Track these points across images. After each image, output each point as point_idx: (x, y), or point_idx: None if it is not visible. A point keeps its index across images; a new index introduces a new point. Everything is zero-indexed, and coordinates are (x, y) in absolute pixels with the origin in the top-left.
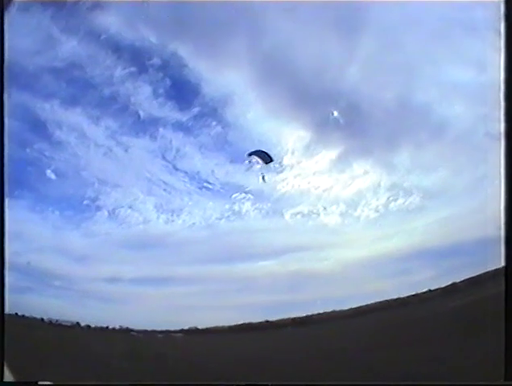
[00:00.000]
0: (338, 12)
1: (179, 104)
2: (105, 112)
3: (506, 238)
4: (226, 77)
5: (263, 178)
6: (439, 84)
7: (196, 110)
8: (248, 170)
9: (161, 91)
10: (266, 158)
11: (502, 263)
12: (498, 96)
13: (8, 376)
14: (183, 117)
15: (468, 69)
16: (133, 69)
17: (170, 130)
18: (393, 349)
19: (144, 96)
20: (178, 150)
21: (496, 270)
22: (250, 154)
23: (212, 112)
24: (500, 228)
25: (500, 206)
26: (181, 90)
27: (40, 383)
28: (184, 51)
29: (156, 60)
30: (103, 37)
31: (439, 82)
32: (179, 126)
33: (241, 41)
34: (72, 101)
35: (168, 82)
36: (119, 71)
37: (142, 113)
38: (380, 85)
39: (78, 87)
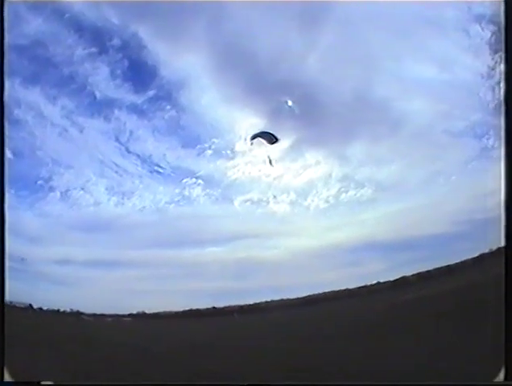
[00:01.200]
0: (302, 3)
1: (136, 86)
2: (63, 92)
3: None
4: (184, 61)
5: (270, 161)
6: (400, 80)
7: (151, 93)
8: (199, 155)
9: (118, 72)
10: (271, 138)
11: (454, 259)
12: (460, 95)
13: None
14: (139, 100)
15: (432, 67)
16: (93, 49)
17: (124, 112)
18: (338, 340)
19: (102, 77)
20: (131, 133)
21: (447, 266)
22: (254, 137)
23: (167, 96)
24: (454, 224)
25: (455, 203)
26: (138, 72)
27: (43, 383)
28: (145, 32)
29: (116, 41)
30: (67, 16)
31: (399, 78)
32: (134, 109)
33: (202, 26)
34: (32, 80)
35: (126, 63)
36: (80, 51)
37: (98, 94)
38: (339, 78)
39: (39, 65)
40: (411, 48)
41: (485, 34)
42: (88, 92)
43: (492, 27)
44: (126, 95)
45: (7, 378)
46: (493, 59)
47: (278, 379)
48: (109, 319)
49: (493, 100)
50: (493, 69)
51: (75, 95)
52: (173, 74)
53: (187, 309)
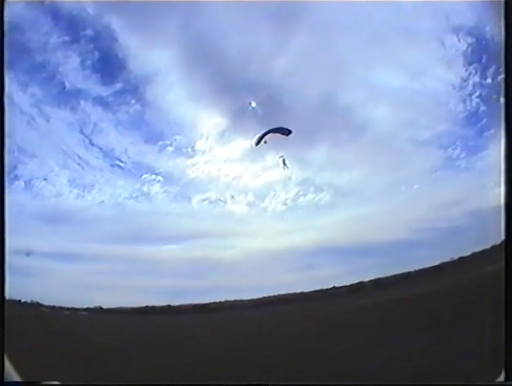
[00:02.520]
0: (275, 5)
1: (104, 78)
2: (34, 80)
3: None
4: (154, 56)
5: (284, 161)
6: (368, 86)
7: (118, 86)
8: (160, 151)
9: (88, 63)
10: (285, 130)
11: (413, 267)
12: (428, 105)
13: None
14: (105, 92)
15: (401, 75)
16: (66, 38)
17: (90, 104)
18: (291, 343)
19: (72, 67)
20: (95, 125)
21: (403, 274)
22: (266, 133)
23: (134, 90)
24: (414, 232)
25: (416, 211)
26: (107, 64)
27: (43, 383)
28: (118, 24)
29: (89, 31)
30: (47, 2)
31: (367, 84)
32: (100, 101)
33: (174, 22)
34: (7, 65)
35: (97, 55)
36: (54, 39)
37: (67, 84)
38: (306, 81)
39: (15, 51)
40: (382, 56)
41: (461, 45)
42: (57, 82)
43: (469, 39)
44: (94, 86)
45: None
46: (466, 70)
47: (230, 379)
48: (67, 312)
49: (464, 112)
50: (465, 81)
51: (45, 83)
52: (141, 68)
53: (142, 305)
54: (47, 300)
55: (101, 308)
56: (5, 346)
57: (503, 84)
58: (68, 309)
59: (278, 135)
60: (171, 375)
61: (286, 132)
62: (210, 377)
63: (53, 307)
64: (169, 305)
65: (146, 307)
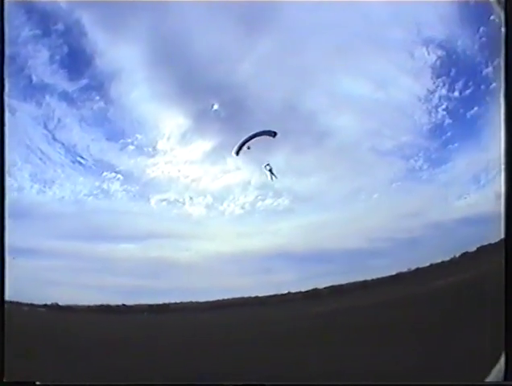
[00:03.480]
0: (243, 8)
1: (70, 73)
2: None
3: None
4: (120, 53)
5: (271, 170)
6: (331, 94)
7: (83, 82)
8: (121, 149)
9: (57, 58)
10: (271, 132)
11: (370, 275)
12: (392, 115)
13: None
14: (70, 88)
15: (366, 84)
16: (38, 31)
17: (55, 99)
18: (243, 347)
19: (41, 61)
20: (59, 120)
21: (359, 282)
22: (248, 140)
23: (99, 87)
24: (371, 241)
25: (375, 220)
26: (75, 60)
27: (38, 383)
28: (88, 19)
29: (60, 26)
30: None
31: (331, 91)
32: (65, 96)
33: (143, 20)
34: None
35: (66, 49)
36: (25, 32)
37: (34, 78)
38: (269, 85)
39: None
40: (349, 63)
41: (431, 57)
42: (25, 75)
43: (439, 52)
44: (60, 81)
45: None
46: (434, 83)
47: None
48: (25, 308)
49: (428, 124)
50: (432, 93)
51: (13, 76)
52: (108, 65)
53: (98, 303)
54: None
55: (58, 305)
56: None
57: (503, 87)
58: (27, 305)
59: (263, 137)
60: (123, 374)
61: (272, 134)
62: (160, 377)
63: (11, 302)
64: (124, 305)
65: (102, 305)
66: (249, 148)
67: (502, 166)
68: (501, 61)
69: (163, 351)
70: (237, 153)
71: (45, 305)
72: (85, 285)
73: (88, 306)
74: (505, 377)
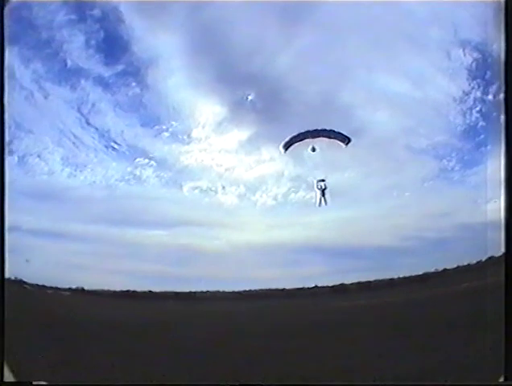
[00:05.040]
0: (285, 2)
1: (106, 58)
2: (37, 56)
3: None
4: (158, 40)
5: (324, 191)
6: (369, 90)
7: (120, 67)
8: (156, 136)
9: (93, 42)
10: (344, 137)
11: (397, 273)
12: (428, 114)
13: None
14: (106, 73)
15: (404, 82)
16: (73, 16)
17: (90, 83)
18: (267, 339)
19: (76, 46)
20: (93, 105)
21: (387, 280)
22: (303, 137)
23: (135, 72)
24: (401, 239)
25: (405, 218)
26: (111, 45)
27: (35, 383)
28: (126, 6)
29: (97, 11)
30: None
31: (369, 87)
32: (100, 81)
33: (181, 8)
34: (11, 41)
35: (102, 35)
36: (61, 17)
37: (69, 62)
38: (308, 78)
39: (21, 26)
40: (387, 60)
41: (467, 59)
42: (60, 59)
43: (475, 54)
44: (95, 66)
45: None
46: (469, 84)
47: (203, 369)
48: (50, 291)
49: (463, 125)
50: (467, 94)
51: (48, 60)
52: (145, 51)
53: (124, 289)
54: (31, 277)
55: (83, 289)
56: None
57: (503, 90)
58: (51, 288)
59: (333, 141)
60: (146, 361)
61: (346, 140)
62: (185, 366)
63: (37, 285)
64: (150, 291)
65: (128, 291)
66: (314, 150)
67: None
68: (501, 61)
69: (187, 339)
70: (286, 149)
71: (70, 289)
72: (112, 270)
73: (114, 291)
74: (506, 377)
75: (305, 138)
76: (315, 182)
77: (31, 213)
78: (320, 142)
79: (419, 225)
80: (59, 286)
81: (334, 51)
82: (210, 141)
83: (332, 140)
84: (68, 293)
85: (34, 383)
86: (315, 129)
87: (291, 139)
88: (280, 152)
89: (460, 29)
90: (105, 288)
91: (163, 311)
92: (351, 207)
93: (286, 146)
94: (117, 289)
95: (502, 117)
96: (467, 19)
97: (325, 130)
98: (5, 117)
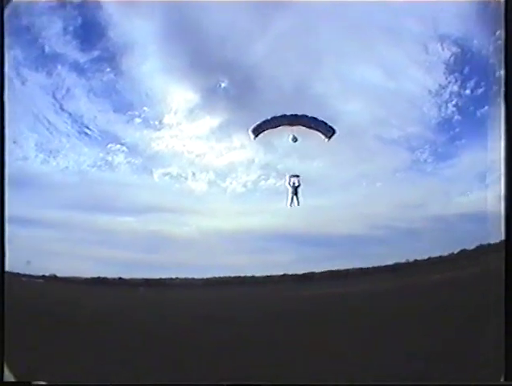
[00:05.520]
0: None
1: (83, 44)
2: (16, 42)
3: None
4: (134, 26)
5: (296, 189)
6: (342, 80)
7: (95, 53)
8: (128, 122)
9: (71, 28)
10: (327, 130)
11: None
12: (401, 105)
13: (8, 376)
14: (82, 58)
15: (379, 73)
16: (53, 3)
17: (66, 69)
18: (235, 325)
19: (55, 31)
20: (68, 90)
21: (356, 269)
22: (291, 121)
23: (110, 58)
24: (370, 228)
25: (375, 208)
26: (89, 31)
27: (34, 383)
28: None
29: None
30: None
31: (342, 77)
32: (76, 66)
33: None
34: None
35: (80, 21)
36: (42, 3)
37: (47, 48)
38: (282, 67)
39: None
40: (362, 51)
41: (445, 53)
42: (38, 45)
43: (454, 49)
44: (72, 52)
45: None
46: (446, 78)
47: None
48: (23, 279)
49: (437, 118)
50: (443, 88)
51: (26, 46)
52: (121, 37)
53: (95, 276)
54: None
55: (56, 276)
56: None
57: (503, 89)
58: (24, 275)
59: (314, 133)
60: (116, 346)
61: (329, 132)
62: (153, 351)
63: (9, 273)
64: (120, 278)
65: (98, 278)
66: (295, 140)
67: (503, 168)
68: (501, 60)
69: (157, 325)
70: (257, 135)
71: (43, 277)
72: (84, 256)
73: (85, 279)
74: (506, 377)
75: (280, 125)
76: (287, 177)
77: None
78: (290, 130)
79: (389, 215)
80: (32, 273)
81: (309, 40)
82: (181, 127)
83: (313, 131)
84: (41, 280)
85: (33, 383)
86: (293, 114)
87: (264, 124)
88: (250, 138)
89: (440, 23)
90: (77, 275)
91: (132, 298)
92: (321, 196)
93: (258, 132)
94: (89, 275)
95: (502, 115)
96: (447, 14)
97: (305, 117)
98: (5, 116)
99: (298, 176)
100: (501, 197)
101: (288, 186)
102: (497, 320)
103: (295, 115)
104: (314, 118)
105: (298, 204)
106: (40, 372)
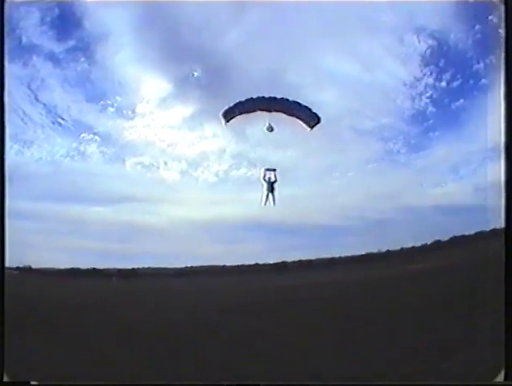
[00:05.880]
0: None
1: (59, 34)
2: None
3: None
4: (109, 15)
5: (272, 185)
6: (317, 70)
7: (71, 43)
8: (101, 111)
9: (48, 19)
10: (312, 117)
11: (338, 252)
12: (375, 96)
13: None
14: (58, 48)
15: (354, 64)
16: None
17: (41, 59)
18: (207, 314)
19: (32, 22)
20: (43, 81)
21: (328, 259)
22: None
23: (85, 48)
24: (342, 218)
25: (347, 198)
26: (65, 21)
27: (33, 383)
28: None
29: None
30: None
31: (317, 67)
32: (51, 56)
33: None
34: None
35: (56, 11)
36: None
37: (24, 39)
38: (255, 57)
39: None
40: (336, 42)
41: (421, 46)
42: (16, 36)
43: (431, 41)
44: (48, 42)
45: None
46: (421, 71)
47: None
48: None
49: (411, 109)
50: (418, 80)
51: (4, 38)
52: (96, 27)
53: (68, 267)
54: None
55: (31, 268)
56: None
57: (503, 89)
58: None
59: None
60: (90, 338)
61: (314, 119)
62: (126, 342)
63: None
64: (94, 269)
65: (72, 269)
66: (271, 129)
67: (503, 163)
68: (501, 60)
69: (131, 316)
70: (228, 120)
71: (18, 268)
72: (56, 247)
73: (59, 270)
74: (506, 377)
75: (256, 109)
76: (262, 171)
77: None
78: (263, 120)
79: (361, 205)
80: (7, 265)
81: (284, 30)
82: (154, 116)
83: (291, 119)
84: (16, 272)
85: (32, 383)
86: (272, 96)
87: (236, 107)
88: (221, 123)
89: (417, 15)
90: (51, 265)
91: (106, 289)
92: (293, 185)
93: (229, 116)
94: (62, 267)
95: (501, 112)
96: (424, 6)
97: (286, 102)
98: (5, 115)
99: (274, 170)
100: (476, 189)
101: (263, 182)
102: (470, 311)
103: (274, 98)
104: (296, 103)
105: (274, 203)
106: (9, 365)
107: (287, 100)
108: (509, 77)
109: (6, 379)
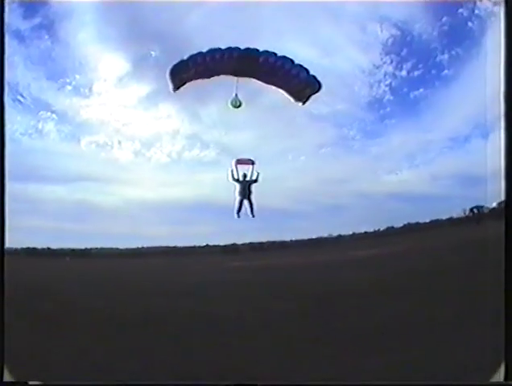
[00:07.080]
0: None
1: (27, 12)
2: None
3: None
4: None
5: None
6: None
7: (36, 21)
8: (59, 89)
9: None
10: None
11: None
12: (332, 82)
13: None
14: (24, 26)
15: (312, 49)
16: None
17: (8, 37)
18: (159, 296)
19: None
20: (7, 59)
21: (282, 242)
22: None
23: (50, 26)
24: (294, 202)
25: (299, 181)
26: None
27: (31, 383)
28: None
29: None
30: None
31: (275, 51)
32: (17, 34)
33: None
34: None
35: None
36: None
37: None
38: (214, 39)
39: None
40: (297, 26)
41: (383, 35)
42: None
43: (394, 31)
44: (16, 20)
45: None
46: (382, 59)
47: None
48: None
49: (368, 96)
50: (377, 68)
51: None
52: (62, 5)
53: (24, 247)
54: None
55: None
56: None
57: (503, 86)
58: None
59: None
60: (44, 318)
61: (309, 88)
62: (80, 322)
63: None
64: (49, 248)
65: (28, 248)
66: (239, 105)
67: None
68: (501, 60)
69: (83, 295)
70: (178, 87)
71: None
72: (14, 227)
73: (15, 249)
74: (506, 377)
75: (220, 72)
76: (233, 163)
77: None
78: (217, 101)
79: (313, 189)
80: None
81: (244, 14)
82: (110, 95)
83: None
84: None
85: (30, 383)
86: (248, 48)
87: (190, 65)
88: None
89: (381, 5)
90: (7, 246)
91: (60, 268)
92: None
93: (180, 78)
94: (18, 246)
95: (501, 109)
96: None
97: (273, 56)
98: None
99: (253, 163)
100: (435, 178)
101: (235, 183)
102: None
103: (250, 53)
104: (288, 60)
105: (252, 215)
106: None
107: (275, 54)
108: (510, 77)
109: (5, 379)
